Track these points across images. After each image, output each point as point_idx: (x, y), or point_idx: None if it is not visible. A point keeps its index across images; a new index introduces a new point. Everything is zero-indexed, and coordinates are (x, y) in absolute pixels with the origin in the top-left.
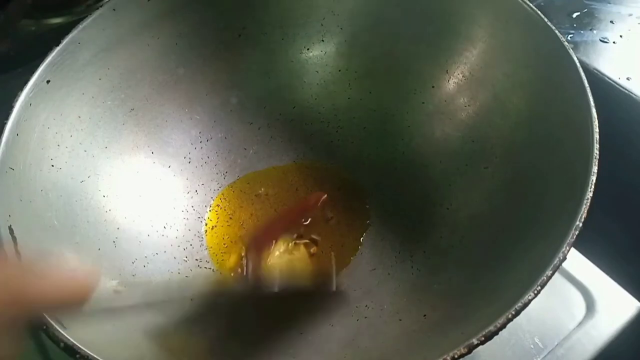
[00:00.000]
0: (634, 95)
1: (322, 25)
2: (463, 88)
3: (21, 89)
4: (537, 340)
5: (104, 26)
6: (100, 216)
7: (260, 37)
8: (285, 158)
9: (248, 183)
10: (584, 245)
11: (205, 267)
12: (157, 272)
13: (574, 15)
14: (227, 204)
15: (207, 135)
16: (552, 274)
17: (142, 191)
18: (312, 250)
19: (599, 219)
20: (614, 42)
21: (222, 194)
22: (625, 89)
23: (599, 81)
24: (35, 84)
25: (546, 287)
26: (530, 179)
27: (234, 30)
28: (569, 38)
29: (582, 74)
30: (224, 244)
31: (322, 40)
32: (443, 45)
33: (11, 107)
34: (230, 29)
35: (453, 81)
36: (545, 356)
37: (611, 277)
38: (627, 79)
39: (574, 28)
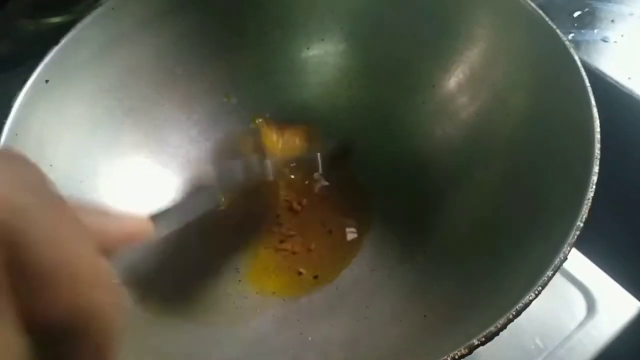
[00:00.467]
0: (635, 95)
1: (322, 24)
2: (464, 88)
3: (20, 89)
4: (537, 341)
5: (103, 25)
6: None
7: (260, 36)
8: None
9: None
10: (585, 246)
11: None
12: None
13: (575, 14)
14: None
15: (207, 135)
16: (553, 274)
17: (141, 191)
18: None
19: (600, 219)
20: (615, 42)
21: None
22: (627, 89)
23: (600, 81)
24: (34, 84)
25: (547, 288)
26: (531, 178)
27: (233, 30)
28: (570, 37)
29: (584, 73)
30: None
31: (322, 40)
32: (444, 44)
33: (10, 107)
34: (230, 29)
35: (454, 81)
36: (546, 356)
37: (612, 277)
38: (628, 78)
39: (575, 27)
